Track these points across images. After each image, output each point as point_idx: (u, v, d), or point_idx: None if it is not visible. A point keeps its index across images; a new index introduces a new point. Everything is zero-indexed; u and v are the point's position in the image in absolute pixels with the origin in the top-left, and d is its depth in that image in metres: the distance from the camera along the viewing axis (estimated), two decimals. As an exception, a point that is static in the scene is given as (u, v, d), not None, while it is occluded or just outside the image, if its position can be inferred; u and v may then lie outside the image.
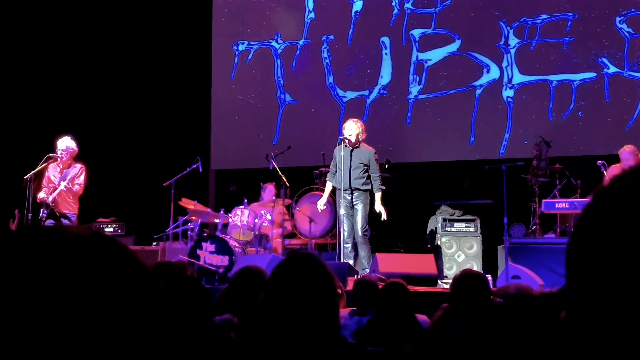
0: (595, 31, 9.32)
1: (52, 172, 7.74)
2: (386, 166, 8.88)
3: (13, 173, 8.24)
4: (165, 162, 9.74)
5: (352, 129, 7.62)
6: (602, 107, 9.27)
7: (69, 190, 7.62)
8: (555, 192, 8.12)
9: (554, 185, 8.17)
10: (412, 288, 4.49)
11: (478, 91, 9.75)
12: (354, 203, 7.58)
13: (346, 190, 7.56)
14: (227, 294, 3.95)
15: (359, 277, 6.65)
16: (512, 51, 9.64)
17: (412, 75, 10.04)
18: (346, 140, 7.58)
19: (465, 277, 3.59)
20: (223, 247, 7.77)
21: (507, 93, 9.63)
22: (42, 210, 7.61)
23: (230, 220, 8.30)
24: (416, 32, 10.09)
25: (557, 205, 7.91)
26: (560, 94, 9.40)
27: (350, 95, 10.31)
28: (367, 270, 7.40)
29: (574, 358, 0.71)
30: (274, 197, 8.82)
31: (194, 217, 8.50)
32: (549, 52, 9.52)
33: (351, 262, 7.55)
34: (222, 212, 8.36)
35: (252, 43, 10.86)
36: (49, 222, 7.54)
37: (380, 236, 8.94)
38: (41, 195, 7.60)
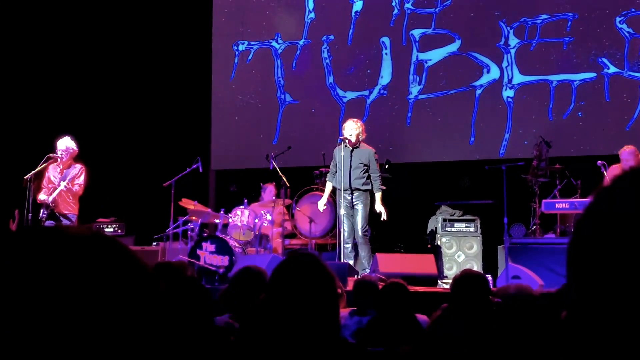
0: (595, 31, 9.32)
1: (52, 172, 7.74)
2: (386, 166, 8.88)
3: (13, 173, 8.25)
4: (165, 162, 9.74)
5: (352, 129, 7.62)
6: (602, 108, 9.27)
7: (68, 190, 7.62)
8: (555, 192, 8.12)
9: (554, 186, 8.17)
10: (412, 288, 4.49)
11: (478, 91, 9.75)
12: (354, 203, 7.58)
13: (346, 190, 7.55)
14: (227, 294, 3.95)
15: (359, 277, 6.65)
16: (512, 51, 9.64)
17: (412, 75, 10.04)
18: (346, 141, 7.58)
19: (465, 277, 3.59)
20: (223, 247, 7.77)
21: (507, 93, 9.63)
22: (42, 210, 7.61)
23: (230, 220, 8.30)
24: (416, 32, 10.09)
25: (557, 206, 7.91)
26: (561, 94, 9.39)
27: (351, 95, 10.31)
28: (367, 271, 7.40)
29: (574, 358, 0.71)
30: (274, 197, 8.82)
31: (194, 217, 8.50)
32: (549, 52, 9.52)
33: (351, 262, 7.55)
34: (222, 212, 8.36)
35: (252, 43, 10.86)
36: (49, 222, 7.54)
37: (381, 236, 8.94)
38: (41, 197, 7.60)
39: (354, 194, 7.57)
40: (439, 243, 8.56)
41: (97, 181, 8.36)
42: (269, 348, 1.86)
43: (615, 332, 0.68)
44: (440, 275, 7.90)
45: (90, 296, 0.69)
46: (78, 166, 7.78)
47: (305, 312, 1.82)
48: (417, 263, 7.54)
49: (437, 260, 8.02)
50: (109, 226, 9.48)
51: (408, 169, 9.68)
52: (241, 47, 10.89)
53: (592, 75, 9.28)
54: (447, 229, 8.58)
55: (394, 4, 10.21)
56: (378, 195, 7.62)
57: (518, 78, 9.60)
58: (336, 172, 7.70)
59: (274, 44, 10.75)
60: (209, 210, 8.70)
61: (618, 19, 9.22)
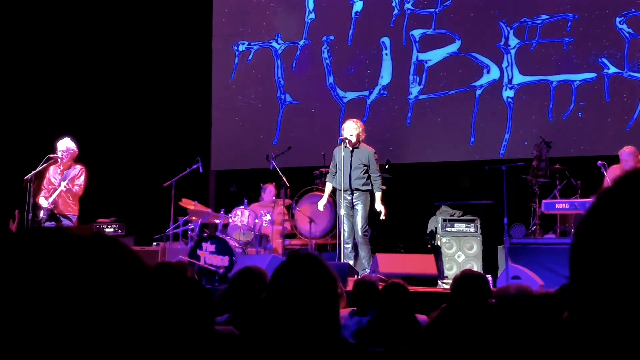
0: (595, 32, 9.32)
1: (53, 173, 7.75)
2: (386, 166, 8.88)
3: (13, 173, 8.25)
4: (165, 162, 9.74)
5: (352, 129, 7.62)
6: (602, 108, 9.27)
7: (68, 191, 7.62)
8: (555, 193, 8.12)
9: (554, 186, 8.17)
10: (412, 288, 4.49)
11: (478, 91, 9.75)
12: (354, 203, 7.59)
13: (346, 190, 7.56)
14: (227, 294, 3.95)
15: (359, 277, 6.65)
16: (512, 51, 9.64)
17: (413, 75, 10.04)
18: (346, 141, 7.58)
19: (465, 278, 3.59)
20: (223, 248, 7.78)
21: (507, 93, 9.63)
22: (42, 211, 7.61)
23: (230, 220, 8.30)
24: (416, 33, 10.10)
25: (557, 206, 7.91)
26: (561, 95, 9.39)
27: (351, 95, 10.32)
28: (367, 271, 7.40)
29: (575, 357, 0.72)
30: (274, 198, 8.82)
31: (194, 218, 8.50)
32: (549, 52, 9.52)
33: (351, 262, 7.55)
34: (222, 212, 8.37)
35: (252, 43, 10.86)
36: (50, 223, 7.54)
37: (381, 236, 8.95)
38: (42, 202, 7.60)
39: (354, 194, 7.58)
40: (439, 243, 8.56)
41: (98, 182, 8.36)
42: (269, 348, 1.86)
43: (617, 331, 0.68)
44: (441, 275, 7.90)
45: (92, 296, 0.69)
46: (78, 167, 7.78)
47: (306, 312, 1.83)
48: (417, 263, 7.55)
49: (437, 261, 8.02)
50: (109, 226, 9.48)
51: (408, 169, 9.68)
52: (241, 48, 10.89)
53: (592, 75, 9.28)
54: (447, 229, 8.58)
55: (394, 4, 10.21)
56: (378, 195, 7.62)
57: (518, 78, 9.60)
58: (336, 172, 7.70)
59: (274, 44, 10.75)
60: (209, 210, 8.70)
61: (618, 19, 9.22)
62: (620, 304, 0.68)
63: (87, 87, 10.95)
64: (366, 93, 10.23)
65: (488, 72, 9.72)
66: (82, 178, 7.73)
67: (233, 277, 4.15)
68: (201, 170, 8.60)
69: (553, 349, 2.44)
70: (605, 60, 9.24)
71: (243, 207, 8.34)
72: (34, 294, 0.68)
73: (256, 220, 8.22)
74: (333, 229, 8.72)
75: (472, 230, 8.52)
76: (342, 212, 7.55)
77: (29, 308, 0.67)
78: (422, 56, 10.04)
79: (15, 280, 0.68)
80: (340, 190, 7.55)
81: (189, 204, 8.40)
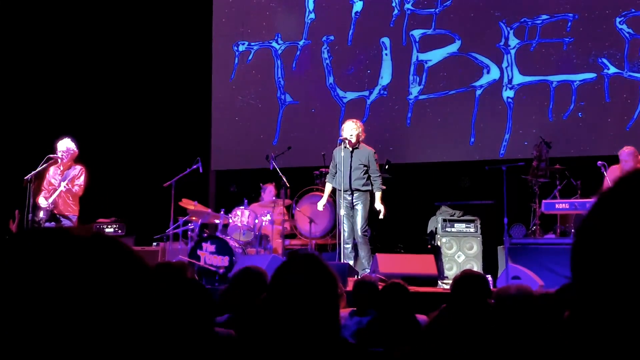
0: (595, 32, 9.32)
1: (53, 174, 7.75)
2: (386, 167, 8.88)
3: (13, 174, 8.25)
4: (165, 162, 9.74)
5: (351, 129, 7.63)
6: (602, 108, 9.27)
7: (68, 191, 7.62)
8: (555, 193, 8.12)
9: (554, 186, 8.17)
10: (412, 288, 4.49)
11: (478, 92, 9.75)
12: (354, 203, 7.59)
13: (346, 191, 7.56)
14: (227, 295, 3.95)
15: (359, 277, 6.65)
16: (512, 52, 9.64)
17: (412, 75, 10.04)
18: (346, 141, 7.58)
19: (465, 278, 3.59)
20: (223, 248, 7.78)
21: (507, 93, 9.63)
22: (42, 211, 7.61)
23: (230, 220, 8.30)
24: (416, 33, 10.10)
25: (557, 206, 7.91)
26: (561, 95, 9.39)
27: (351, 95, 10.32)
28: (367, 271, 7.41)
29: (576, 357, 0.72)
30: (274, 198, 8.82)
31: (194, 218, 8.50)
32: (549, 52, 9.52)
33: (351, 262, 7.56)
34: (222, 212, 8.37)
35: (252, 44, 10.86)
36: (50, 223, 7.54)
37: (381, 236, 8.95)
38: (41, 202, 7.60)
39: (354, 195, 7.58)
40: (439, 243, 8.56)
41: (98, 182, 8.36)
42: (270, 348, 1.86)
43: (618, 331, 0.68)
44: (441, 275, 7.90)
45: (92, 296, 0.69)
46: (78, 167, 7.78)
47: (306, 313, 1.83)
48: (417, 263, 7.55)
49: (437, 261, 8.02)
50: (109, 226, 9.48)
51: (408, 169, 9.68)
52: (241, 48, 10.89)
53: (592, 75, 9.28)
54: (447, 229, 8.58)
55: (394, 4, 10.21)
56: (378, 194, 7.62)
57: (518, 78, 9.61)
58: (336, 172, 7.70)
59: (274, 44, 10.76)
60: (209, 210, 8.70)
61: (618, 20, 9.22)
62: (621, 304, 0.68)
63: (87, 87, 10.95)
64: (366, 93, 10.23)
65: (488, 72, 9.72)
66: (82, 178, 7.73)
67: (233, 277, 4.15)
68: (201, 171, 8.60)
69: (553, 349, 2.44)
70: (605, 61, 9.24)
71: (243, 207, 8.34)
72: (34, 295, 0.68)
73: (256, 221, 8.22)
74: (333, 229, 8.72)
75: (472, 230, 8.52)
76: (342, 212, 7.55)
77: (29, 308, 0.67)
78: (422, 56, 10.04)
79: (16, 281, 0.68)
80: (340, 190, 7.55)
81: (189, 204, 8.40)
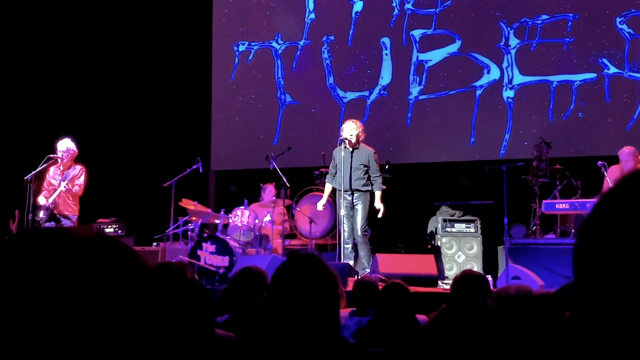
0: (595, 32, 9.32)
1: (53, 174, 7.74)
2: (386, 167, 8.88)
3: (13, 174, 8.25)
4: (165, 162, 9.74)
5: (351, 129, 7.63)
6: (602, 108, 9.27)
7: (68, 191, 7.61)
8: (555, 193, 8.12)
9: (554, 186, 8.17)
10: (412, 289, 4.49)
11: (478, 92, 9.75)
12: (355, 203, 7.59)
13: (347, 191, 7.56)
14: (227, 295, 3.95)
15: (359, 277, 6.66)
16: (513, 52, 9.64)
17: (413, 75, 10.04)
18: (346, 141, 7.58)
19: (465, 278, 3.59)
20: (223, 248, 7.78)
21: (508, 94, 9.63)
22: (42, 211, 7.61)
23: (230, 220, 8.30)
24: (416, 33, 10.10)
25: (557, 206, 7.91)
26: (561, 95, 9.39)
27: (351, 95, 10.32)
28: (368, 270, 7.41)
29: (577, 357, 0.72)
30: (274, 198, 8.82)
31: (194, 218, 8.50)
32: (549, 52, 9.52)
33: (351, 262, 7.56)
34: (222, 212, 8.37)
35: (252, 44, 10.86)
36: (50, 223, 7.53)
37: (381, 236, 8.95)
38: (41, 200, 7.59)
39: (354, 195, 7.58)
40: (439, 243, 8.56)
41: (98, 182, 8.36)
42: (270, 348, 1.86)
43: (620, 331, 0.69)
44: (441, 275, 7.90)
45: (93, 297, 0.69)
46: (78, 167, 7.78)
47: (306, 313, 1.83)
48: (418, 263, 7.55)
49: (437, 261, 8.02)
50: (110, 226, 9.48)
51: (408, 169, 9.68)
52: (241, 48, 10.89)
53: (592, 75, 9.28)
54: (447, 229, 8.58)
55: (394, 4, 10.21)
56: (378, 193, 7.62)
57: (518, 78, 9.61)
58: (336, 173, 7.70)
59: (274, 44, 10.75)
60: (209, 210, 8.70)
61: (618, 20, 9.22)
62: (623, 304, 0.68)
63: (87, 87, 10.95)
64: (366, 93, 10.23)
65: (488, 72, 9.72)
66: (82, 178, 7.72)
67: (233, 277, 4.15)
68: (201, 171, 8.60)
69: (553, 349, 2.44)
70: (605, 61, 9.24)
71: (243, 207, 8.34)
72: (35, 295, 0.68)
73: (256, 221, 8.22)
74: (333, 229, 8.72)
75: (472, 230, 8.52)
76: (342, 212, 7.55)
77: (29, 309, 0.67)
78: (422, 56, 10.04)
79: (16, 281, 0.68)
80: (341, 190, 7.55)
81: (189, 204, 8.40)
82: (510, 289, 3.21)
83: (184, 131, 10.69)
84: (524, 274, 6.98)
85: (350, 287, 5.06)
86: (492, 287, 5.37)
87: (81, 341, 0.67)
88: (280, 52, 10.71)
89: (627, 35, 9.18)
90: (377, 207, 7.59)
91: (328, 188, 7.93)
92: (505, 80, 9.65)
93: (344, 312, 4.14)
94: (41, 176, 7.72)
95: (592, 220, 0.76)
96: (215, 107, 10.90)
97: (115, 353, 0.69)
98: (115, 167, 10.45)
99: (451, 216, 8.65)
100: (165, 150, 10.48)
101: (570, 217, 7.98)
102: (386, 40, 10.20)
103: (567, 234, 7.89)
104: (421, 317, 4.02)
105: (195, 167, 8.52)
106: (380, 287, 4.33)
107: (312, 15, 10.60)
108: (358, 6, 10.38)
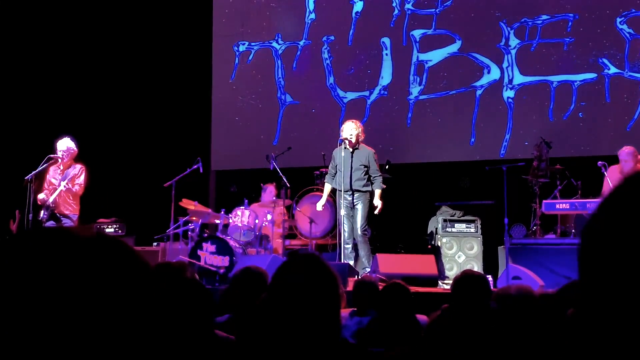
0: (595, 32, 9.32)
1: (53, 174, 7.74)
2: (387, 167, 8.88)
3: (14, 174, 8.25)
4: (165, 162, 9.75)
5: (351, 129, 7.63)
6: (602, 108, 9.27)
7: (68, 190, 7.61)
8: (555, 193, 8.12)
9: (554, 186, 8.17)
10: (412, 289, 4.49)
11: (479, 92, 9.75)
12: (355, 203, 7.59)
13: (347, 191, 7.56)
14: (227, 295, 3.95)
15: (359, 277, 6.66)
16: (513, 52, 9.64)
17: (413, 75, 10.04)
18: (346, 142, 7.58)
19: (465, 278, 3.59)
20: (223, 248, 7.78)
21: (508, 94, 9.63)
22: (42, 211, 7.60)
23: (230, 220, 8.30)
24: (417, 33, 10.10)
25: (557, 206, 7.91)
26: (561, 95, 9.39)
27: (351, 95, 10.32)
28: (368, 269, 7.41)
29: (580, 356, 0.72)
30: (274, 198, 8.82)
31: (194, 218, 8.50)
32: (549, 52, 9.52)
33: (351, 262, 7.56)
34: (222, 212, 8.37)
35: (252, 44, 10.86)
36: (50, 223, 7.53)
37: (381, 236, 8.95)
38: (41, 196, 7.59)
39: (355, 195, 7.58)
40: (439, 244, 8.56)
41: (98, 181, 8.36)
42: (270, 349, 1.86)
43: (624, 330, 0.69)
44: (441, 275, 7.90)
45: (94, 296, 0.69)
46: (78, 166, 7.78)
47: (307, 313, 1.82)
48: (418, 264, 7.55)
49: (438, 261, 8.02)
50: (110, 226, 9.48)
51: (408, 169, 9.68)
52: (242, 48, 10.89)
53: (592, 75, 9.28)
54: (447, 229, 8.58)
55: (394, 4, 10.21)
56: (377, 191, 7.62)
57: (518, 79, 9.61)
58: (335, 173, 7.71)
59: (274, 44, 10.76)
60: (210, 210, 8.70)
61: (618, 20, 9.22)
62: (626, 303, 0.69)
63: (87, 87, 10.95)
64: (366, 93, 10.23)
65: (488, 72, 9.72)
66: (82, 177, 7.72)
67: (233, 277, 4.15)
68: (201, 171, 8.60)
69: (554, 349, 2.44)
70: (605, 61, 9.24)
71: (243, 207, 8.34)
72: (35, 294, 0.67)
73: (256, 221, 8.22)
74: (333, 229, 8.72)
75: (472, 230, 8.52)
76: (343, 212, 7.55)
77: (30, 308, 0.67)
78: (423, 56, 10.04)
79: (17, 281, 0.68)
80: (341, 190, 7.55)
81: (189, 204, 8.40)
82: (511, 289, 3.21)
83: (184, 131, 10.69)
84: (525, 274, 6.98)
85: (350, 287, 5.06)
86: (492, 287, 5.37)
87: (81, 341, 0.67)
88: (280, 52, 10.71)
89: (627, 35, 9.18)
90: (375, 204, 7.58)
91: (327, 188, 7.93)
92: (506, 80, 9.65)
93: (344, 312, 4.14)
94: (41, 176, 7.72)
95: (595, 221, 0.76)
96: (215, 107, 10.90)
97: (115, 352, 0.69)
98: (115, 167, 10.45)
99: (451, 216, 8.65)
100: (166, 150, 10.48)
101: (571, 217, 7.98)
102: (386, 40, 10.20)
103: (567, 234, 7.89)
104: (421, 317, 4.02)
105: (195, 167, 8.52)
106: (380, 287, 4.32)
107: (312, 15, 10.60)
108: (358, 6, 10.38)
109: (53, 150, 7.73)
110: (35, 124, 10.40)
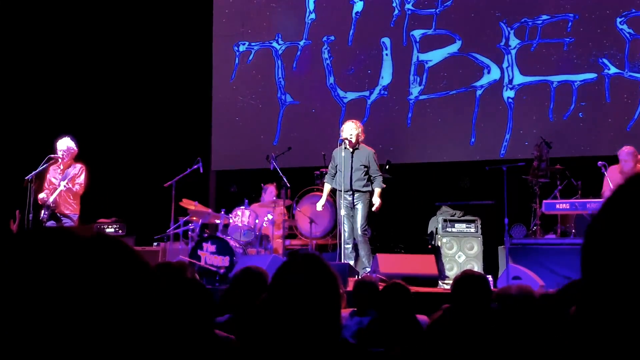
0: (595, 32, 9.32)
1: (53, 173, 7.74)
2: (387, 167, 8.88)
3: (14, 174, 8.25)
4: (166, 162, 9.75)
5: (351, 129, 7.63)
6: (602, 108, 9.27)
7: (68, 190, 7.61)
8: (555, 193, 8.12)
9: (554, 186, 8.17)
10: (412, 289, 4.49)
11: (479, 92, 9.75)
12: (355, 203, 7.60)
13: (347, 191, 7.56)
14: (228, 295, 3.95)
15: (359, 277, 6.66)
16: (513, 52, 9.64)
17: (413, 76, 10.04)
18: (346, 142, 7.58)
19: (465, 278, 3.59)
20: (224, 248, 7.78)
21: (508, 94, 9.63)
22: (42, 211, 7.61)
23: (231, 220, 8.30)
24: (417, 33, 10.10)
25: (557, 206, 7.91)
26: (561, 95, 9.39)
27: (351, 96, 10.32)
28: (368, 269, 7.41)
29: (583, 354, 0.73)
30: (274, 198, 8.82)
31: (194, 218, 8.50)
32: (549, 52, 9.52)
33: (352, 262, 7.56)
34: (222, 212, 8.37)
35: (252, 44, 10.86)
36: (51, 223, 7.53)
37: (381, 236, 8.95)
38: (41, 196, 7.59)
39: (355, 195, 7.58)
40: (439, 244, 8.56)
41: (98, 181, 8.36)
42: (270, 349, 1.86)
43: (628, 329, 0.69)
44: (441, 275, 7.91)
45: (94, 296, 0.69)
46: (78, 166, 7.78)
47: (307, 313, 1.83)
48: (418, 264, 7.55)
49: (438, 261, 8.02)
50: (110, 226, 9.48)
51: (408, 169, 9.68)
52: (242, 48, 10.89)
53: (592, 75, 9.28)
54: (447, 229, 8.58)
55: (394, 4, 10.21)
56: (377, 190, 7.62)
57: (518, 79, 9.61)
58: (335, 173, 7.71)
59: (274, 44, 10.76)
60: (210, 210, 8.70)
61: (619, 20, 9.22)
62: (628, 302, 0.69)
63: (87, 87, 10.95)
64: (366, 93, 10.23)
65: (488, 72, 9.72)
66: (83, 177, 7.72)
67: (234, 277, 4.15)
68: (201, 171, 8.60)
69: (554, 349, 2.44)
70: (605, 61, 9.24)
71: (243, 207, 8.34)
72: (35, 294, 0.68)
73: (257, 221, 8.22)
74: (333, 229, 8.72)
75: (472, 230, 8.52)
76: (343, 212, 7.55)
77: (30, 308, 0.67)
78: (423, 56, 10.04)
79: (17, 281, 0.68)
80: (341, 191, 7.55)
81: (189, 204, 8.40)
82: (511, 289, 3.22)
83: (184, 131, 10.69)
84: (525, 274, 6.98)
85: (350, 287, 5.06)
86: (492, 288, 5.37)
87: (81, 340, 0.67)
88: (280, 52, 10.71)
89: (628, 35, 9.18)
90: (374, 202, 7.58)
91: (327, 188, 7.93)
92: (506, 80, 9.65)
93: (344, 312, 4.14)
94: (42, 176, 7.72)
95: (598, 220, 0.76)
96: (215, 107, 10.90)
97: (115, 352, 0.69)
98: (115, 167, 10.45)
99: (451, 216, 8.65)
100: (166, 150, 10.48)
101: (571, 218, 7.98)
102: (386, 41, 10.20)
103: (567, 234, 7.89)
104: (422, 318, 4.02)
105: (195, 167, 8.52)
106: (380, 287, 4.32)
107: (313, 16, 10.60)
108: (358, 6, 10.38)
109: (53, 150, 7.74)
110: (35, 124, 10.40)
